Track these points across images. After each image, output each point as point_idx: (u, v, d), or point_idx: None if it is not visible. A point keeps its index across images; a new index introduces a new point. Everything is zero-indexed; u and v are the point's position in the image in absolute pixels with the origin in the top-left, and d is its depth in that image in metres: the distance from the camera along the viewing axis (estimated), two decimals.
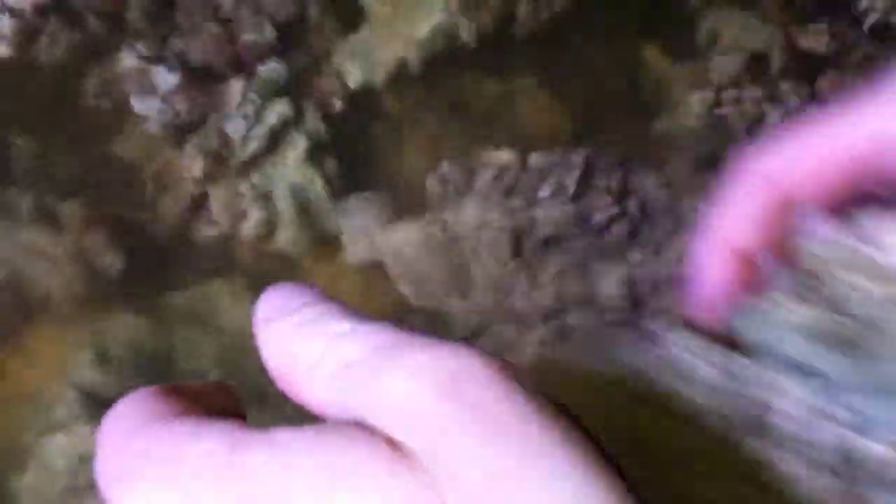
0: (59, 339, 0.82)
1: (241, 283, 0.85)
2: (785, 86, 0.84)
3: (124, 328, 0.83)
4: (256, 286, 0.74)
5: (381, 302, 0.80)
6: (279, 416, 0.71)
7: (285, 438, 0.22)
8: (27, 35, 0.83)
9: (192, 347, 0.83)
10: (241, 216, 0.83)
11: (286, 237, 0.83)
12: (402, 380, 0.22)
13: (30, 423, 0.80)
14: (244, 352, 0.85)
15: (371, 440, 0.22)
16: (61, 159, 0.85)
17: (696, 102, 0.84)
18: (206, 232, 0.83)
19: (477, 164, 0.81)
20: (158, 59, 0.84)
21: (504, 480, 0.20)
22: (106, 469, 0.24)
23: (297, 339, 0.25)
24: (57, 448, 0.77)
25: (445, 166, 0.80)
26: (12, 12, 0.81)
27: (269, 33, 0.84)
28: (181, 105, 0.82)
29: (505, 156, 0.80)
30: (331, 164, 0.84)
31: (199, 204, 0.83)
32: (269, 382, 0.27)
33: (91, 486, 0.71)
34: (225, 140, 0.82)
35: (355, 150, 0.85)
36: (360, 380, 0.23)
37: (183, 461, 0.22)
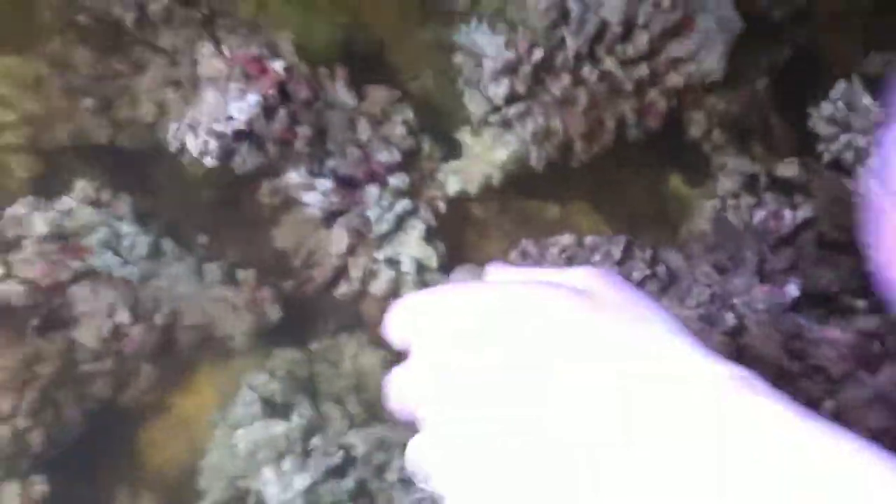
0: (237, 365, 1.10)
1: (365, 332, 1.14)
2: (769, 197, 1.15)
3: (283, 359, 1.10)
4: (379, 336, 1.04)
5: None
6: (391, 427, 0.98)
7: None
8: (227, 153, 1.17)
9: (329, 377, 1.11)
10: (372, 278, 1.13)
11: (390, 292, 1.13)
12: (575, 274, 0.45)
13: (217, 422, 1.06)
14: (364, 385, 1.12)
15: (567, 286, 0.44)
16: (240, 239, 1.16)
17: (707, 207, 1.16)
18: (345, 290, 1.13)
19: (547, 243, 1.11)
20: (317, 174, 1.17)
21: (633, 304, 0.43)
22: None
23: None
24: (238, 437, 1.02)
25: (524, 243, 1.11)
26: (218, 136, 1.16)
27: (396, 155, 1.18)
28: (334, 198, 1.15)
29: (567, 238, 1.11)
30: (440, 244, 1.15)
31: (341, 271, 1.13)
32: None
33: (263, 464, 0.97)
34: (364, 222, 1.14)
35: (456, 236, 1.16)
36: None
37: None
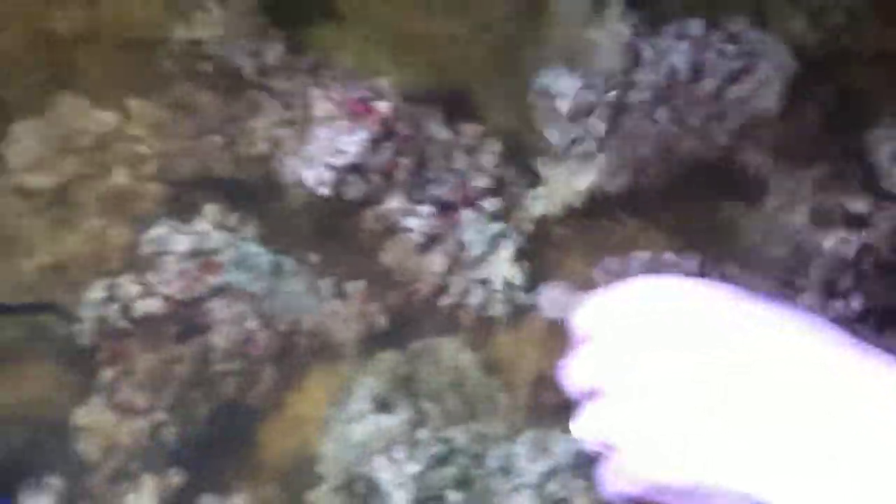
0: (347, 368, 1.24)
1: (461, 339, 1.27)
2: (832, 223, 1.28)
3: (388, 362, 1.24)
4: (473, 342, 1.18)
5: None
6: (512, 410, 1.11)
7: None
8: (338, 183, 1.32)
9: (430, 377, 1.24)
10: (467, 294, 1.27)
11: (497, 308, 1.26)
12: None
13: (332, 418, 1.20)
14: (461, 384, 1.25)
15: None
16: (349, 258, 1.31)
17: (770, 230, 1.28)
18: (443, 303, 1.27)
19: (628, 260, 1.25)
20: (417, 201, 1.32)
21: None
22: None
23: None
24: (352, 430, 1.16)
25: (606, 261, 1.24)
26: (331, 168, 1.31)
27: (488, 182, 1.33)
28: (433, 222, 1.29)
29: (645, 255, 1.24)
30: (527, 263, 1.28)
31: (440, 287, 1.28)
32: None
33: (378, 452, 1.11)
34: (460, 244, 1.28)
35: (541, 256, 1.30)
36: None
37: None
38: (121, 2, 1.58)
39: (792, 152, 1.44)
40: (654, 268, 1.22)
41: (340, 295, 1.27)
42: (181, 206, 1.35)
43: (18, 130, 1.37)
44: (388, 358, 1.23)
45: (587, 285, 1.21)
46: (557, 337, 1.23)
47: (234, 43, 1.50)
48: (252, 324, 1.21)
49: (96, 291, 1.22)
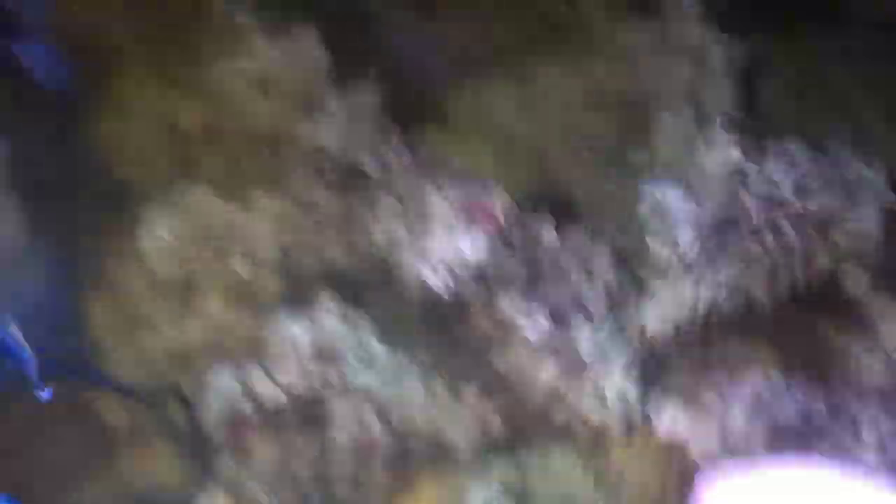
0: (459, 470, 1.26)
1: (573, 449, 1.29)
2: None
3: (500, 468, 1.27)
4: (586, 453, 1.20)
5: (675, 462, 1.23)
6: None
7: None
8: (456, 283, 1.37)
9: (541, 486, 1.26)
10: (580, 402, 1.29)
11: (610, 420, 1.29)
12: None
13: None
14: (572, 495, 1.27)
15: None
16: (464, 358, 1.35)
17: (872, 355, 1.30)
18: (556, 410, 1.30)
19: (739, 381, 1.27)
20: (531, 306, 1.36)
21: None
22: None
23: None
24: None
25: (717, 379, 1.26)
26: (450, 268, 1.36)
27: (599, 292, 1.36)
28: (546, 328, 1.32)
29: (755, 376, 1.26)
30: (640, 376, 1.31)
31: (553, 394, 1.30)
32: None
33: None
34: (574, 353, 1.31)
35: (654, 370, 1.33)
36: None
37: None
38: (244, 100, 1.66)
39: (892, 275, 1.46)
40: (762, 389, 1.24)
41: (455, 396, 1.30)
42: (301, 297, 1.40)
43: (150, 217, 1.44)
44: (500, 465, 1.26)
45: (698, 402, 1.23)
46: (671, 453, 1.25)
47: (354, 142, 1.57)
48: (369, 419, 1.24)
49: (221, 379, 1.26)
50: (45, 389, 1.16)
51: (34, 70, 1.60)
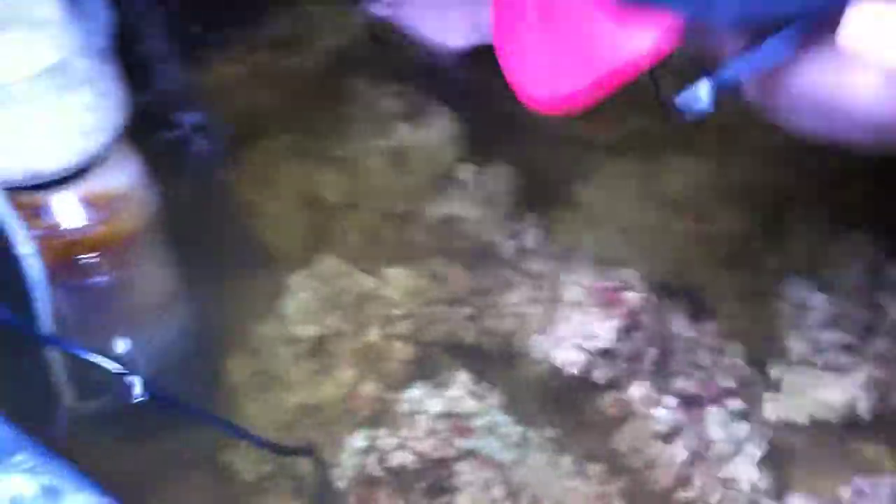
0: None
1: None
2: None
3: None
4: None
5: None
6: None
7: None
8: (586, 365, 1.38)
9: None
10: (708, 493, 1.27)
11: None
12: None
13: None
14: None
15: None
16: (589, 438, 1.35)
17: None
18: (684, 497, 1.28)
19: (879, 483, 1.23)
20: (661, 391, 1.36)
21: None
22: None
23: None
24: None
25: (857, 482, 1.23)
26: (582, 351, 1.38)
27: (732, 382, 1.35)
28: (677, 415, 1.32)
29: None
30: (773, 469, 1.29)
31: (681, 480, 1.29)
32: None
33: None
34: (704, 440, 1.30)
35: (785, 464, 1.30)
36: None
37: None
38: (380, 175, 1.74)
39: None
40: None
41: (581, 474, 1.29)
42: (429, 368, 1.43)
43: (293, 284, 1.51)
44: None
45: (832, 497, 1.20)
46: None
47: (487, 222, 1.62)
48: (497, 492, 1.25)
49: (358, 440, 1.29)
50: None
51: (189, 134, 1.71)
